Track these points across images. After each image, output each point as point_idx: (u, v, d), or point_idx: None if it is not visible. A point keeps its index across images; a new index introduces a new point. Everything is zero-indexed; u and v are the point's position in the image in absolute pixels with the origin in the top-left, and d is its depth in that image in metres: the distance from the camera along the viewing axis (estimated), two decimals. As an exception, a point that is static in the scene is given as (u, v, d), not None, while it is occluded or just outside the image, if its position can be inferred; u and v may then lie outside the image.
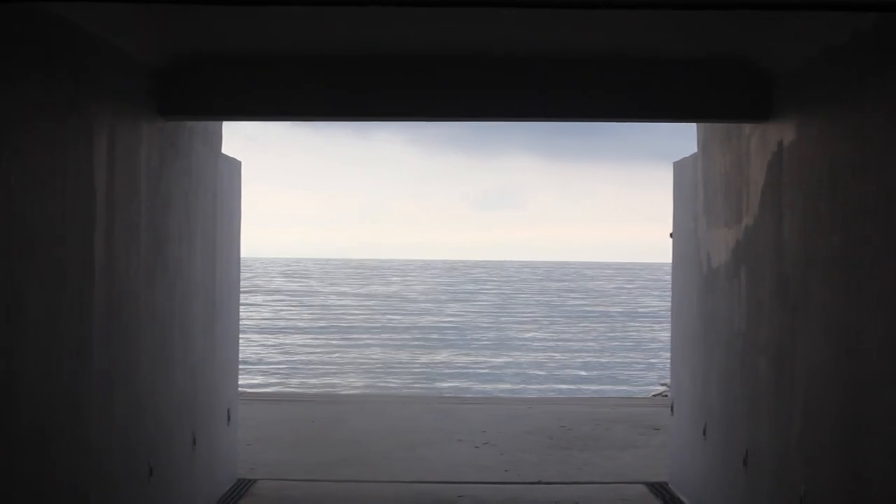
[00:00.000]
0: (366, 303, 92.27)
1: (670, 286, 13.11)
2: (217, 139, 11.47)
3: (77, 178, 7.43)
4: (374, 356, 50.34)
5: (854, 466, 7.24)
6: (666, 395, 20.36)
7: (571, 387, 39.71)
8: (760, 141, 9.37)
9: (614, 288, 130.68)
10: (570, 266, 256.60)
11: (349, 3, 4.93)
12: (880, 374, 6.81)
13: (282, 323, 69.19)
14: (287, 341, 56.66)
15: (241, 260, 12.81)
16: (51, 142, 6.98)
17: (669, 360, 13.25)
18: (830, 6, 5.09)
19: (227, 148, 11.81)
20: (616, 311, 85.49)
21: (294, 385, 38.83)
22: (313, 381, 40.58)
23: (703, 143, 11.39)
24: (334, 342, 56.80)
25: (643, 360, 50.06)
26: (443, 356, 51.41)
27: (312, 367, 45.93)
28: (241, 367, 13.32)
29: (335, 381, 40.45)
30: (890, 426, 6.68)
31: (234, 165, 12.29)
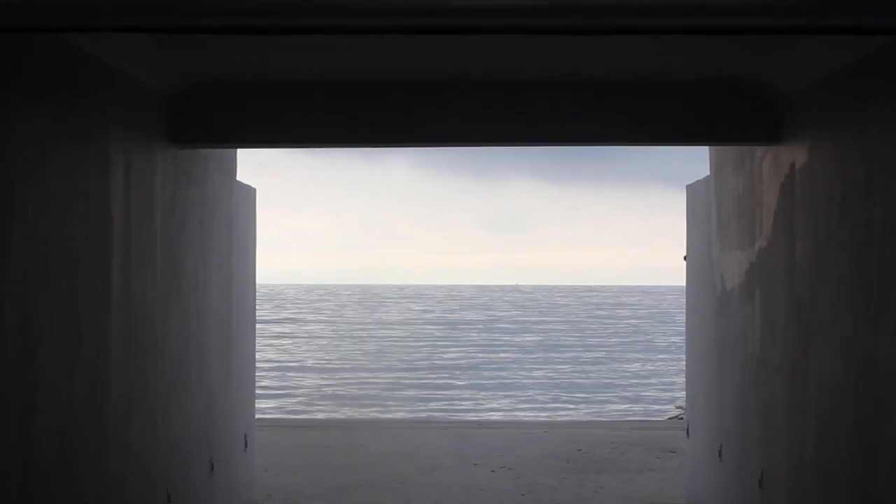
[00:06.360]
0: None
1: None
2: (232, 166, 11.54)
3: (94, 205, 7.50)
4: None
5: (869, 486, 7.25)
6: (682, 418, 20.33)
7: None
8: (773, 163, 9.40)
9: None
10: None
11: (366, 31, 4.96)
12: (894, 393, 6.82)
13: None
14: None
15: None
16: (68, 169, 7.05)
17: (685, 383, 13.26)
18: (840, 31, 5.12)
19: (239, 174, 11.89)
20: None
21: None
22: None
23: (716, 167, 11.42)
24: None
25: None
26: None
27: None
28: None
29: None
30: (903, 445, 6.69)
31: (249, 192, 12.37)
